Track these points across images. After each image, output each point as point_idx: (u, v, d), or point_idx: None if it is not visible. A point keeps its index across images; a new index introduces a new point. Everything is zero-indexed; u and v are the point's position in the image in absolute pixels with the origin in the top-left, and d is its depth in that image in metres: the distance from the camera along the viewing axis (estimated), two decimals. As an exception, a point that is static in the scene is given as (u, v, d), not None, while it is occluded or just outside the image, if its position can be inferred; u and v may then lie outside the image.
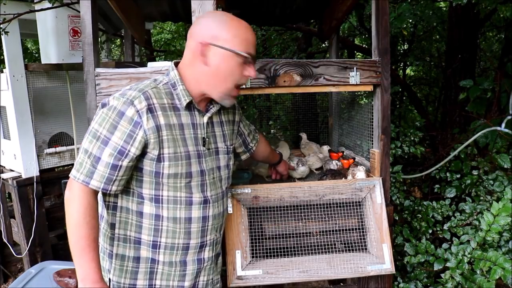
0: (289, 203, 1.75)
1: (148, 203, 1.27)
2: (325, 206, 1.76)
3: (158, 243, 1.29)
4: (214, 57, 1.23)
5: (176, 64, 1.33)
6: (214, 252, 1.41)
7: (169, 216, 1.28)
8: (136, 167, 1.23)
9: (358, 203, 1.79)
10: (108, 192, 1.20)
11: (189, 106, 1.29)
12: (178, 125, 1.26)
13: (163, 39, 7.24)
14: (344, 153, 2.22)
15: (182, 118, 1.27)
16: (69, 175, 1.20)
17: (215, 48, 1.22)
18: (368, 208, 1.77)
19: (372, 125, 1.91)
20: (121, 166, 1.18)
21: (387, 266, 1.68)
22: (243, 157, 1.67)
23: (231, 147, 1.47)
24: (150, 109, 1.20)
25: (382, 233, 1.72)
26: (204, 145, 1.32)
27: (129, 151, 1.18)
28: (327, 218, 1.76)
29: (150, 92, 1.22)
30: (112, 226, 1.30)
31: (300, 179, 2.03)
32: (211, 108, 1.35)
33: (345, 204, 1.77)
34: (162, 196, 1.26)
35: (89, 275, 1.16)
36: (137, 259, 1.30)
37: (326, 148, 2.33)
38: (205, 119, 1.33)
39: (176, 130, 1.25)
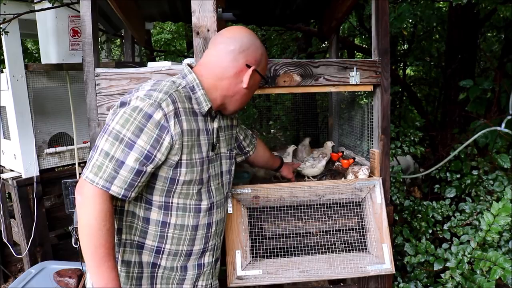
0: (289, 203, 1.75)
1: (156, 210, 1.24)
2: (325, 206, 1.76)
3: (162, 249, 1.28)
4: (252, 80, 1.31)
5: (191, 67, 1.31)
6: (214, 257, 1.41)
7: (176, 223, 1.26)
8: (151, 173, 1.19)
9: (358, 203, 1.79)
10: (127, 199, 1.15)
11: (207, 112, 1.28)
12: (196, 131, 1.24)
13: (163, 39, 7.25)
14: (344, 153, 2.22)
15: (199, 123, 1.25)
16: (83, 177, 1.13)
17: (256, 74, 1.31)
18: (368, 208, 1.77)
19: (372, 125, 1.91)
20: (145, 172, 1.14)
21: (387, 266, 1.68)
22: (238, 159, 1.67)
23: (233, 152, 1.47)
24: (176, 113, 1.16)
25: (382, 233, 1.72)
26: (213, 150, 1.32)
27: (155, 156, 1.14)
28: (327, 218, 1.76)
29: (175, 95, 1.18)
30: (119, 231, 1.26)
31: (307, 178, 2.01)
32: (218, 114, 1.35)
33: (345, 204, 1.77)
34: (172, 203, 1.25)
35: (108, 284, 1.11)
36: (140, 264, 1.28)
37: (330, 144, 2.28)
38: (216, 124, 1.33)
39: (195, 136, 1.23)
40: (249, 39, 1.28)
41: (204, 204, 1.31)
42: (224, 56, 1.26)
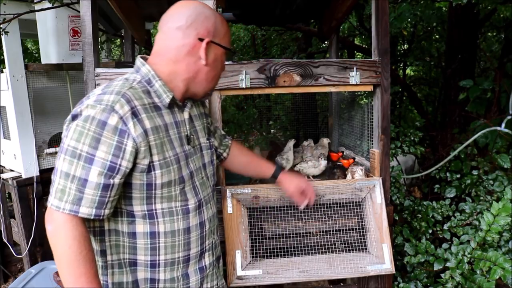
0: (289, 203, 1.75)
1: (141, 221, 1.12)
2: (325, 206, 1.76)
3: (157, 261, 1.15)
4: (213, 55, 1.17)
5: (144, 59, 1.19)
6: (214, 256, 1.31)
7: (166, 231, 1.15)
8: (124, 183, 1.07)
9: (358, 203, 1.79)
10: (101, 217, 1.04)
11: (171, 103, 1.16)
12: (163, 126, 1.12)
13: (163, 39, 7.24)
14: (344, 153, 2.22)
15: (165, 117, 1.14)
16: (48, 205, 1.02)
17: (214, 46, 1.17)
18: (368, 208, 1.77)
19: (372, 125, 1.91)
20: (113, 184, 1.02)
21: (387, 266, 1.68)
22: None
23: (212, 140, 1.35)
24: (134, 113, 1.04)
25: (382, 233, 1.72)
26: (189, 144, 1.20)
27: (120, 165, 1.02)
28: (327, 218, 1.76)
29: (128, 93, 1.06)
30: (103, 253, 1.14)
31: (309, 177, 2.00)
32: (187, 102, 1.23)
33: (345, 204, 1.77)
34: (156, 210, 1.13)
35: None
36: (135, 283, 1.16)
37: (326, 141, 2.24)
38: (186, 114, 1.21)
39: (162, 133, 1.11)
40: (196, 10, 1.14)
41: (191, 203, 1.19)
42: (173, 36, 1.13)
